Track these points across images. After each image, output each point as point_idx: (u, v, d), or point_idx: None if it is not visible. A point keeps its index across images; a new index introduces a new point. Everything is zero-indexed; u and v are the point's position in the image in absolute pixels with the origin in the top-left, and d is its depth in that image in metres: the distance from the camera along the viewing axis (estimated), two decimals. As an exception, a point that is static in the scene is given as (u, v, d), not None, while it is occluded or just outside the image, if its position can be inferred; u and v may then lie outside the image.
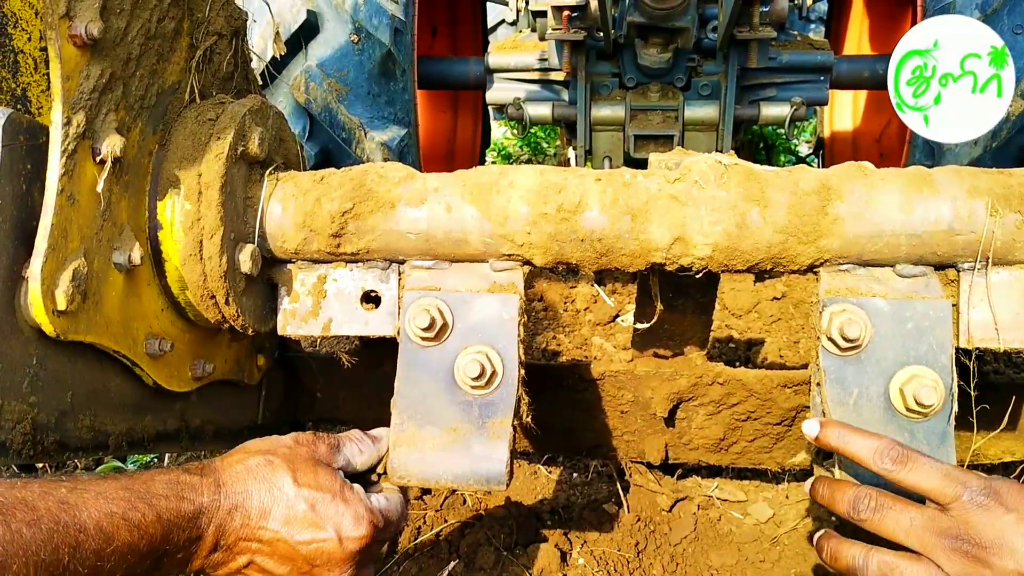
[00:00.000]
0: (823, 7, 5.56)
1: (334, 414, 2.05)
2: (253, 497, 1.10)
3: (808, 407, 1.59)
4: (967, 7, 2.98)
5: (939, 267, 1.34)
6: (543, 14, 3.14)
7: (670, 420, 1.79)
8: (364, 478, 1.31)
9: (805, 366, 1.83)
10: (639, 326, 1.64)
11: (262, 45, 3.06)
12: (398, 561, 1.86)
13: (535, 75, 3.51)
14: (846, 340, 1.27)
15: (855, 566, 1.13)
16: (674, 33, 3.10)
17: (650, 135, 3.34)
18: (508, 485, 1.30)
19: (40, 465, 2.23)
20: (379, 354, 1.80)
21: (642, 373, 1.70)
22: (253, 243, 1.41)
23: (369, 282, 1.46)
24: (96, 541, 0.91)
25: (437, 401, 1.33)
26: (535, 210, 1.34)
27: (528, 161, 7.07)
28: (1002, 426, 1.50)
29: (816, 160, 5.47)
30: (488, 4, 4.84)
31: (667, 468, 2.15)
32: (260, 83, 1.70)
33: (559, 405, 1.80)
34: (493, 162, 6.94)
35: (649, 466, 2.12)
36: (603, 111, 3.37)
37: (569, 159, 3.81)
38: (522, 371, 1.35)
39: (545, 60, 3.42)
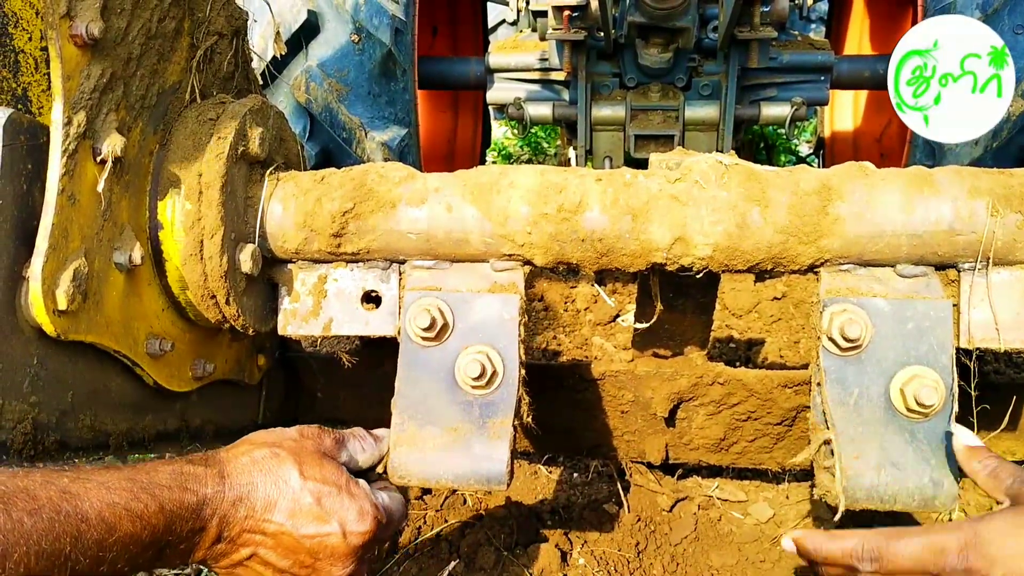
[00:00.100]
0: (823, 7, 5.55)
1: (334, 414, 2.05)
2: (258, 489, 1.09)
3: (809, 407, 1.59)
4: (967, 7, 2.98)
5: (940, 267, 1.34)
6: (544, 14, 3.14)
7: (670, 420, 1.79)
8: (365, 476, 1.31)
9: (806, 366, 1.83)
10: (639, 326, 1.64)
11: (263, 45, 3.06)
12: (398, 561, 1.86)
13: (536, 75, 3.51)
14: (847, 340, 1.27)
15: None
16: (675, 33, 3.10)
17: (651, 135, 3.34)
18: (508, 485, 1.30)
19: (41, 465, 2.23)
20: (379, 354, 1.80)
21: (642, 373, 1.70)
22: (254, 243, 1.41)
23: (370, 282, 1.46)
24: (98, 531, 0.90)
25: (438, 401, 1.33)
26: (536, 210, 1.34)
27: (528, 161, 7.08)
28: (1002, 426, 1.50)
29: (816, 160, 5.47)
30: (488, 4, 4.84)
31: (667, 468, 2.15)
32: (261, 83, 1.70)
33: (559, 405, 1.80)
34: (493, 162, 6.94)
35: (649, 466, 2.12)
36: (604, 111, 3.37)
37: (569, 159, 3.81)
38: (522, 371, 1.35)
39: (546, 60, 3.41)
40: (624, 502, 2.05)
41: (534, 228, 1.34)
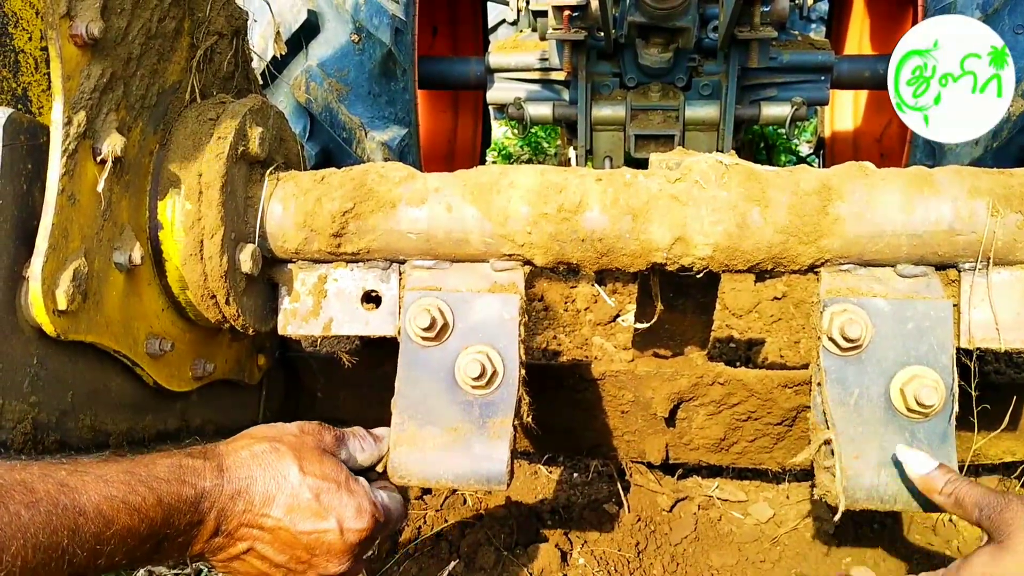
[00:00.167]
0: (824, 7, 5.55)
1: (335, 414, 2.04)
2: (257, 483, 1.09)
3: (809, 407, 1.59)
4: (968, 7, 2.97)
5: (940, 267, 1.34)
6: (544, 14, 3.14)
7: (670, 420, 1.79)
8: (365, 475, 1.31)
9: (806, 366, 1.83)
10: (639, 326, 1.64)
11: (263, 45, 3.05)
12: (398, 561, 1.86)
13: (536, 75, 3.51)
14: (847, 340, 1.27)
15: None
16: (675, 33, 3.10)
17: (651, 135, 3.34)
18: (509, 485, 1.30)
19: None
20: (379, 354, 1.80)
21: (643, 373, 1.70)
22: (254, 243, 1.41)
23: (370, 282, 1.46)
24: (95, 524, 0.90)
25: (438, 401, 1.33)
26: (536, 210, 1.34)
27: (529, 161, 7.07)
28: (1003, 426, 1.50)
29: (817, 160, 5.47)
30: (489, 4, 4.83)
31: (667, 468, 2.15)
32: (261, 83, 1.70)
33: (559, 405, 1.80)
34: (494, 162, 6.94)
35: (649, 466, 2.12)
36: (604, 111, 3.37)
37: (570, 159, 3.81)
38: (523, 371, 1.35)
39: (546, 60, 3.41)
40: (624, 502, 2.05)
41: (534, 228, 1.34)
